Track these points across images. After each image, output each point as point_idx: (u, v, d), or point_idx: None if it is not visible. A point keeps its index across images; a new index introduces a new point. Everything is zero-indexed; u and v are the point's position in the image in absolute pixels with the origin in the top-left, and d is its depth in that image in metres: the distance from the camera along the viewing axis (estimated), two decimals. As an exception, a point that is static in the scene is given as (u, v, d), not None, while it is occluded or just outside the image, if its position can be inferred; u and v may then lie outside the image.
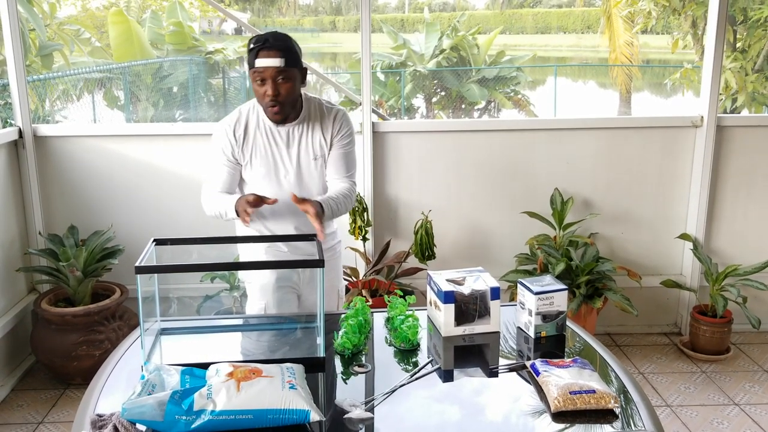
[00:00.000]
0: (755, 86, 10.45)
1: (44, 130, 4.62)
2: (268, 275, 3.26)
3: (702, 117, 4.77)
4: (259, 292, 3.29)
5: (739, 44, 10.71)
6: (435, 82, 17.72)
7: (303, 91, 3.16)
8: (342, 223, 4.45)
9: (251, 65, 2.97)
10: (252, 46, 2.95)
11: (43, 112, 9.54)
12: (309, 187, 3.20)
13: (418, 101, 18.13)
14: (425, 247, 4.57)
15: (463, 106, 17.49)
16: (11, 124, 4.60)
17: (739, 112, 10.44)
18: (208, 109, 15.64)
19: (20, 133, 4.51)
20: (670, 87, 14.24)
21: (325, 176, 3.24)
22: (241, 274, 3.44)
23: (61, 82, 10.47)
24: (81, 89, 11.43)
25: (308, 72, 3.14)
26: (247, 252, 3.33)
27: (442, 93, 17.82)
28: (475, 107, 17.71)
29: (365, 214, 4.57)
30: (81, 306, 4.30)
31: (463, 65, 17.28)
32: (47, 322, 4.29)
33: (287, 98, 3.01)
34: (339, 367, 2.47)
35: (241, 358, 2.30)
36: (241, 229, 3.29)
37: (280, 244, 3.25)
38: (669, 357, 4.78)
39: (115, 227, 4.61)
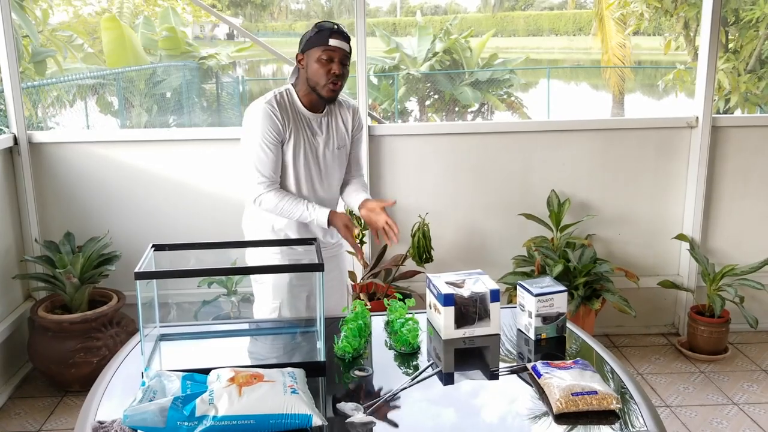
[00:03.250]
0: (748, 86, 10.46)
1: (39, 136, 4.60)
2: (284, 275, 3.30)
3: (697, 118, 4.78)
4: (273, 291, 3.31)
5: (731, 45, 10.72)
6: (428, 85, 17.72)
7: None
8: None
9: (322, 43, 3.09)
10: (324, 27, 3.12)
11: (36, 119, 9.51)
12: (331, 175, 3.35)
13: (412, 104, 18.14)
14: (422, 250, 4.55)
15: (456, 108, 17.49)
16: (3, 131, 4.59)
17: (732, 113, 10.45)
18: (201, 114, 15.62)
19: (15, 140, 4.49)
20: (662, 88, 14.26)
21: (344, 169, 3.42)
22: (252, 276, 3.43)
23: (55, 89, 10.44)
24: (74, 95, 11.39)
25: None
26: (258, 254, 3.35)
27: (436, 96, 17.83)
28: (469, 110, 17.71)
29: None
30: (78, 313, 4.28)
31: (456, 68, 17.30)
32: (44, 330, 4.27)
33: (344, 81, 3.19)
34: (339, 371, 2.47)
35: (241, 363, 2.29)
36: (251, 231, 3.37)
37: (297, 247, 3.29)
38: (667, 357, 4.79)
39: (112, 233, 4.60)
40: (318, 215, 3.11)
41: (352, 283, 4.65)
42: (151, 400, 2.02)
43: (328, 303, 2.81)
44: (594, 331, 4.79)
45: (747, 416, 4.07)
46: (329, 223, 3.12)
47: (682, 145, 4.86)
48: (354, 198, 3.36)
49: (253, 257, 3.33)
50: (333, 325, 2.76)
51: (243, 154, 3.18)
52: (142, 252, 2.52)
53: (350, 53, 3.18)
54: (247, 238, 3.40)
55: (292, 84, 3.25)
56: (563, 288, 2.70)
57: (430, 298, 2.76)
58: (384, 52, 17.58)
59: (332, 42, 3.09)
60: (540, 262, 4.57)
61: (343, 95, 3.35)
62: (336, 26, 3.14)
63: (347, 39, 3.15)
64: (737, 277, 4.69)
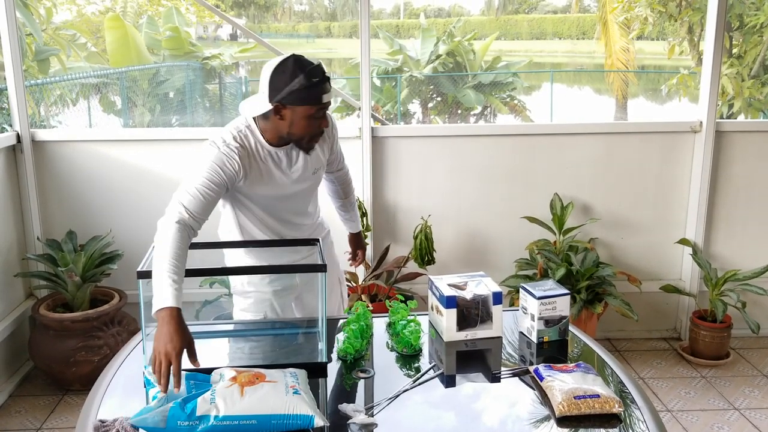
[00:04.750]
0: (751, 92, 10.46)
1: (42, 135, 4.60)
2: (267, 289, 3.17)
3: (701, 122, 4.77)
4: (255, 306, 3.20)
5: (735, 50, 10.73)
6: (431, 87, 17.73)
7: None
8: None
9: (315, 101, 2.75)
10: (313, 80, 2.72)
11: (39, 117, 9.52)
12: (308, 197, 3.15)
13: (414, 106, 18.15)
14: (425, 252, 4.57)
15: (459, 111, 17.50)
16: (6, 129, 4.59)
17: (736, 118, 10.45)
18: (204, 114, 15.63)
19: (18, 138, 4.49)
20: (666, 93, 14.25)
21: (318, 185, 3.19)
22: (236, 285, 3.31)
23: (58, 87, 10.45)
24: (77, 94, 11.40)
25: None
26: (233, 257, 3.20)
27: (438, 98, 17.84)
28: (471, 112, 17.72)
29: (364, 218, 4.57)
30: (79, 311, 4.28)
31: (459, 71, 17.30)
32: (45, 328, 4.27)
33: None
34: (341, 372, 2.46)
35: (244, 363, 2.28)
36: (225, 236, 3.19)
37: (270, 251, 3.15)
38: (669, 362, 4.78)
39: (114, 232, 4.60)
40: (157, 300, 2.31)
41: (354, 285, 4.65)
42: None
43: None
44: (596, 334, 4.78)
45: (748, 421, 4.06)
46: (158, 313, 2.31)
47: (686, 150, 4.85)
48: (345, 224, 3.64)
49: (230, 262, 3.20)
50: (335, 326, 2.76)
51: (185, 178, 2.80)
52: (144, 251, 2.52)
53: None
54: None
55: (253, 118, 2.89)
56: (566, 291, 2.70)
57: (432, 300, 2.75)
58: (387, 54, 17.60)
59: (326, 98, 2.78)
60: (542, 265, 4.57)
61: None
62: (322, 74, 2.76)
63: (329, 80, 2.81)
64: (739, 282, 4.68)
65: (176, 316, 2.25)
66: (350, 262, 3.74)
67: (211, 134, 2.89)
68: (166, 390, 2.10)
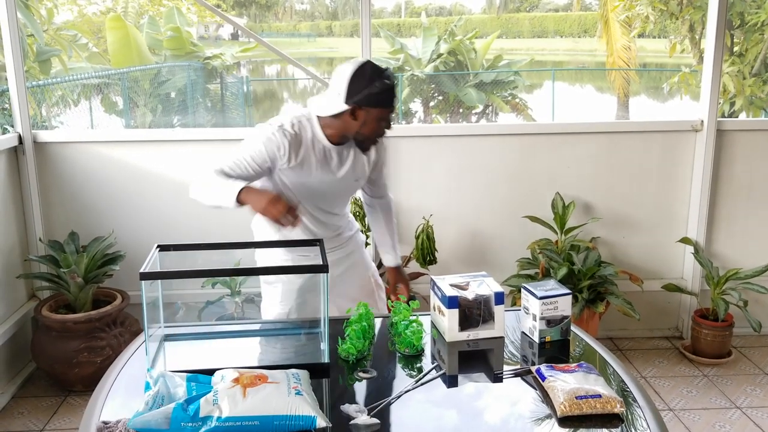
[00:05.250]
0: (753, 90, 10.47)
1: (44, 136, 4.61)
2: (294, 280, 3.26)
3: (702, 121, 4.77)
4: (282, 296, 3.29)
5: (736, 48, 10.73)
6: (432, 86, 17.74)
7: None
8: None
9: (388, 105, 2.91)
10: (388, 82, 2.87)
11: (40, 118, 9.53)
12: (343, 201, 3.28)
13: (416, 105, 18.16)
14: (426, 252, 4.57)
15: (460, 110, 17.51)
16: (7, 130, 4.60)
17: (737, 116, 10.45)
18: (205, 114, 15.65)
19: (20, 139, 4.50)
20: (667, 91, 14.26)
21: (352, 195, 3.38)
22: (262, 277, 3.40)
23: (59, 88, 10.46)
24: (79, 95, 11.41)
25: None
26: (267, 255, 3.31)
27: (440, 97, 17.85)
28: (473, 111, 17.73)
29: (365, 219, 4.57)
30: (82, 312, 4.29)
31: (461, 69, 17.31)
32: (48, 329, 4.28)
33: None
34: (343, 372, 2.47)
35: (246, 364, 2.29)
36: (259, 231, 3.32)
37: (304, 249, 3.21)
38: (671, 361, 4.78)
39: (116, 233, 4.60)
40: (229, 193, 2.81)
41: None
42: (159, 407, 2.02)
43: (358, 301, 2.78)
44: (598, 334, 4.78)
45: (750, 420, 4.07)
46: (240, 202, 2.82)
47: (687, 149, 4.86)
48: (384, 256, 3.51)
49: (262, 258, 3.30)
50: (337, 326, 2.76)
51: (229, 153, 3.01)
52: (146, 252, 2.52)
53: None
54: (255, 238, 3.36)
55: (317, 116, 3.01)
56: (567, 291, 2.70)
57: (435, 300, 2.75)
58: (388, 53, 17.61)
59: (395, 102, 2.96)
60: (544, 265, 4.57)
61: None
62: (393, 79, 2.93)
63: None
64: (741, 280, 4.68)
65: (251, 187, 2.83)
66: (392, 297, 3.31)
67: (271, 120, 3.04)
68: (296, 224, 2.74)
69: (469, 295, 2.65)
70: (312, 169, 3.02)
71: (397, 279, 3.47)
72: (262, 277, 3.39)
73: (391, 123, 2.98)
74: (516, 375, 2.45)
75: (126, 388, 2.35)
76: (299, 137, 2.96)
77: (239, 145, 3.00)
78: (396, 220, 3.55)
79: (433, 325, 2.78)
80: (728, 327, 4.70)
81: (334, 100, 2.90)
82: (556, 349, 2.65)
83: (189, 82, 14.86)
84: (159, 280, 2.58)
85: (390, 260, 3.48)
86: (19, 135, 4.50)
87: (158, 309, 2.63)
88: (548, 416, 2.16)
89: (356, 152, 3.11)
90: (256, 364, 2.28)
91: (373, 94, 2.85)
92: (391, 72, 2.92)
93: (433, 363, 2.52)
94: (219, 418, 1.96)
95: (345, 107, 2.87)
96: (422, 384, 2.36)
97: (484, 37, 20.93)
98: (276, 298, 3.31)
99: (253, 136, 2.97)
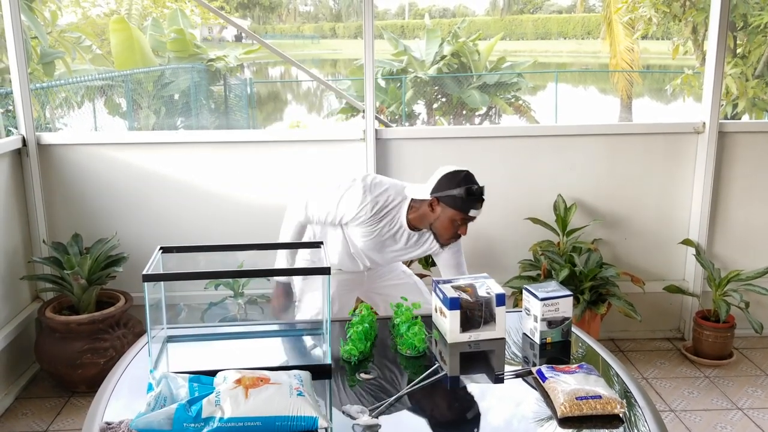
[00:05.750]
0: (756, 92, 10.48)
1: (48, 138, 4.62)
2: (333, 285, 3.48)
3: (704, 123, 4.78)
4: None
5: (739, 50, 10.73)
6: (436, 88, 17.72)
7: None
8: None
9: (463, 210, 3.17)
10: (472, 193, 3.18)
11: (44, 120, 9.54)
12: (386, 266, 3.68)
13: (419, 107, 18.14)
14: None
15: (464, 112, 17.49)
16: (11, 132, 4.61)
17: (740, 118, 10.46)
18: (209, 116, 15.65)
19: (24, 141, 4.51)
20: (670, 93, 14.25)
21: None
22: (301, 286, 3.61)
23: (63, 90, 10.47)
24: (82, 97, 11.42)
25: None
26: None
27: (443, 99, 17.83)
28: (476, 113, 17.71)
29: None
30: (85, 314, 4.30)
31: (464, 71, 17.29)
32: (51, 330, 4.29)
33: None
34: (345, 374, 2.48)
35: (248, 365, 2.30)
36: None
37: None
38: (672, 362, 4.79)
39: (119, 235, 4.62)
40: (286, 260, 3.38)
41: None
42: (161, 408, 2.03)
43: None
44: (599, 335, 4.79)
45: (751, 421, 4.07)
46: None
47: (689, 151, 4.86)
48: None
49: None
50: (339, 328, 2.78)
51: (317, 193, 3.39)
52: (150, 254, 2.54)
53: None
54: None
55: (411, 198, 3.31)
56: (569, 292, 2.71)
57: (436, 302, 2.77)
58: (392, 54, 17.60)
59: (472, 213, 3.19)
60: (546, 267, 4.58)
61: None
62: (482, 193, 3.21)
63: (483, 202, 3.23)
64: (743, 282, 4.69)
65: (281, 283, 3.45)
66: None
67: (374, 183, 3.34)
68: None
69: (471, 296, 2.67)
70: (378, 235, 3.33)
71: None
72: (303, 284, 3.59)
73: (464, 231, 3.24)
74: (517, 376, 2.46)
75: (129, 389, 2.37)
76: (380, 212, 3.27)
77: (327, 194, 3.33)
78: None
79: (435, 327, 2.79)
80: (730, 328, 4.71)
81: (425, 188, 3.25)
82: (557, 351, 2.66)
83: (192, 84, 14.87)
84: (162, 282, 2.59)
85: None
86: (23, 137, 4.51)
87: (161, 310, 2.65)
88: (549, 417, 2.18)
89: (423, 239, 3.41)
90: (258, 366, 2.29)
91: (453, 196, 3.16)
92: (481, 188, 3.20)
93: (434, 364, 2.53)
94: (221, 418, 1.97)
95: (428, 197, 3.21)
96: (423, 385, 2.37)
97: (487, 38, 20.93)
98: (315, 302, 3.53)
99: (345, 196, 3.27)
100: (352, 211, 3.24)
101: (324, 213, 3.32)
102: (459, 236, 3.27)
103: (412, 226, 3.32)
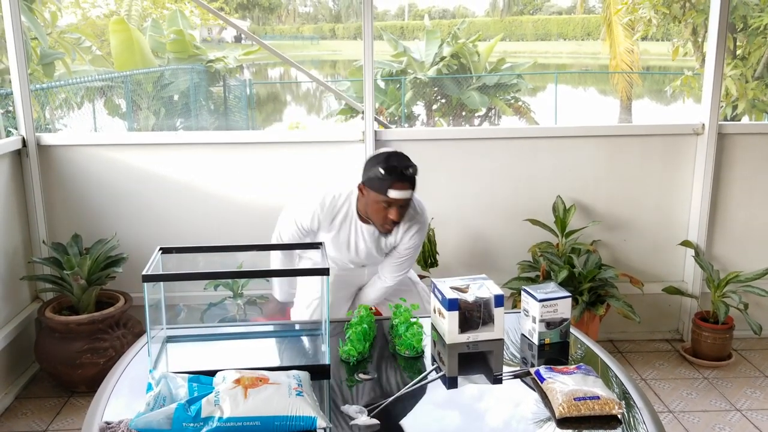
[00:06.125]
0: (755, 93, 10.48)
1: (47, 139, 4.63)
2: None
3: (703, 125, 4.79)
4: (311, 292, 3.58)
5: (739, 52, 10.73)
6: (435, 89, 17.73)
7: None
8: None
9: (382, 192, 3.11)
10: (386, 174, 3.09)
11: (44, 121, 9.55)
12: (367, 267, 3.60)
13: (419, 108, 18.15)
14: (428, 255, 4.59)
15: (463, 113, 17.50)
16: (11, 133, 4.61)
17: (740, 120, 10.46)
18: (208, 117, 15.66)
19: (24, 142, 4.52)
20: (670, 94, 14.26)
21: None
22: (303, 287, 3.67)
23: (63, 91, 10.48)
24: (82, 98, 11.43)
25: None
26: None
27: (443, 100, 17.84)
28: (476, 114, 17.72)
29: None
30: (85, 314, 4.30)
31: (464, 72, 17.30)
32: (51, 331, 4.29)
33: (404, 217, 3.27)
34: (344, 374, 2.48)
35: (247, 366, 2.30)
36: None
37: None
38: (671, 363, 4.80)
39: (119, 235, 4.62)
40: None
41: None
42: (161, 407, 2.03)
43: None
44: (598, 336, 4.80)
45: (749, 422, 4.08)
46: None
47: (688, 152, 4.87)
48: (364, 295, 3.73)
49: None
50: (338, 328, 2.78)
51: (286, 211, 3.54)
52: (149, 254, 2.54)
53: (414, 190, 3.21)
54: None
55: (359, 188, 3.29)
56: (567, 294, 2.72)
57: (435, 303, 2.77)
58: (391, 56, 17.61)
59: (392, 194, 3.11)
60: (545, 268, 4.59)
61: (416, 209, 3.44)
62: (401, 173, 3.11)
63: (413, 180, 3.16)
64: (742, 283, 4.70)
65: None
66: None
67: (333, 185, 3.44)
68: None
69: (469, 297, 2.67)
70: (343, 237, 3.36)
71: None
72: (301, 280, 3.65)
73: (394, 215, 3.17)
74: (515, 377, 2.47)
75: (128, 389, 2.38)
76: (333, 212, 3.30)
77: (290, 210, 3.49)
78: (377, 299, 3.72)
79: (434, 328, 2.80)
80: (728, 330, 4.72)
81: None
82: (555, 352, 2.67)
83: (192, 85, 14.88)
84: (161, 282, 2.60)
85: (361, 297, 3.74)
86: (23, 138, 4.52)
87: (161, 311, 2.65)
88: (547, 418, 2.18)
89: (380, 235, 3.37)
90: (257, 366, 2.30)
91: (372, 176, 3.13)
92: (402, 166, 3.11)
93: (433, 365, 2.54)
94: (220, 418, 1.98)
95: (359, 182, 3.22)
96: (422, 385, 2.38)
97: (487, 40, 20.95)
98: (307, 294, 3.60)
99: (299, 209, 3.39)
100: (306, 215, 3.30)
101: (289, 231, 3.42)
102: (394, 223, 3.22)
103: (363, 219, 3.32)
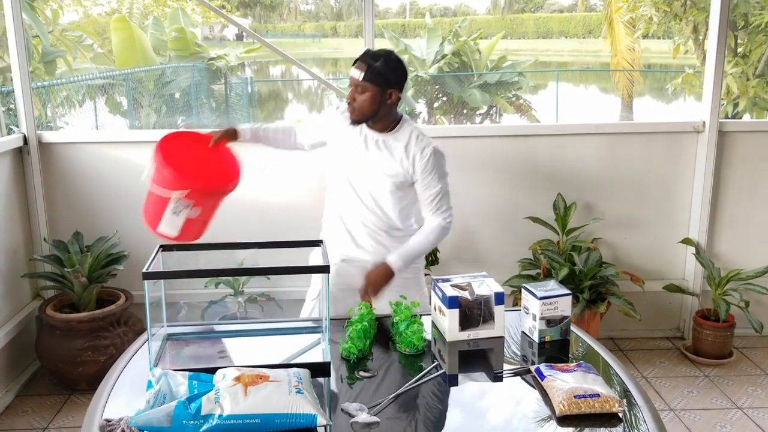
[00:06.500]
0: (756, 91, 10.47)
1: (49, 136, 4.63)
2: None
3: (704, 122, 4.79)
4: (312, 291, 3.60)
5: (740, 49, 10.73)
6: (437, 87, 17.74)
7: (405, 115, 3.49)
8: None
9: (351, 72, 3.33)
10: (355, 59, 3.33)
11: (45, 119, 9.55)
12: (378, 197, 3.42)
13: (420, 106, 18.15)
14: (428, 253, 4.58)
15: (464, 111, 17.50)
16: (12, 131, 4.61)
17: (741, 117, 10.46)
18: (210, 115, 15.65)
19: (25, 139, 4.52)
20: (671, 92, 14.26)
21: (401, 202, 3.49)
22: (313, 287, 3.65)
23: (64, 89, 10.48)
24: (83, 95, 11.43)
25: (397, 96, 3.35)
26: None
27: (444, 98, 17.84)
28: (477, 112, 17.73)
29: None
30: (86, 312, 4.31)
31: (465, 70, 17.30)
32: (52, 328, 4.30)
33: (359, 106, 3.31)
34: (344, 372, 2.48)
35: (247, 363, 2.30)
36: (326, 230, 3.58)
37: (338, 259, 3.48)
38: (672, 361, 4.80)
39: (120, 233, 4.62)
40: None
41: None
42: (161, 405, 2.03)
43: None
44: (599, 334, 4.80)
45: (751, 420, 4.08)
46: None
47: (689, 150, 4.87)
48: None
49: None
50: (338, 326, 2.78)
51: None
52: (150, 252, 2.54)
53: (367, 79, 3.26)
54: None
55: None
56: (567, 291, 2.71)
57: (435, 301, 2.77)
58: (393, 54, 17.58)
59: (351, 71, 3.31)
60: (546, 266, 4.58)
61: (423, 135, 3.46)
62: (362, 55, 3.31)
63: (367, 64, 3.25)
64: (742, 281, 4.70)
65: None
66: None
67: None
68: None
69: (470, 295, 2.67)
70: (346, 141, 3.44)
71: (370, 274, 3.30)
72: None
73: (350, 96, 3.37)
74: (515, 374, 2.47)
75: (129, 387, 2.38)
76: (341, 116, 3.47)
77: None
78: (430, 243, 3.56)
79: (434, 325, 2.80)
80: (729, 328, 4.72)
81: None
82: (555, 349, 2.67)
83: (193, 82, 14.88)
84: (162, 280, 2.60)
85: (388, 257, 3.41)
86: (24, 135, 4.52)
87: (161, 308, 2.66)
88: (548, 416, 2.18)
89: (392, 145, 3.38)
90: (257, 363, 2.30)
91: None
92: (367, 52, 3.35)
93: (433, 362, 2.54)
94: (220, 416, 1.98)
95: None
96: (422, 383, 2.38)
97: (488, 37, 20.92)
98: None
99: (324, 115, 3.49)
100: (327, 115, 3.37)
101: (318, 122, 3.70)
102: (347, 101, 3.37)
103: (351, 121, 3.41)
